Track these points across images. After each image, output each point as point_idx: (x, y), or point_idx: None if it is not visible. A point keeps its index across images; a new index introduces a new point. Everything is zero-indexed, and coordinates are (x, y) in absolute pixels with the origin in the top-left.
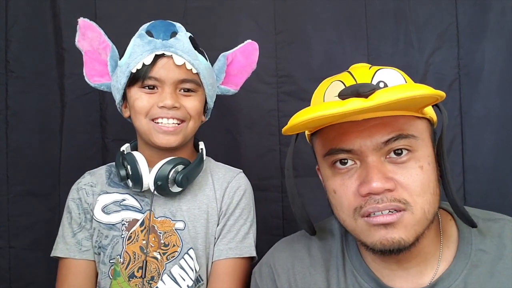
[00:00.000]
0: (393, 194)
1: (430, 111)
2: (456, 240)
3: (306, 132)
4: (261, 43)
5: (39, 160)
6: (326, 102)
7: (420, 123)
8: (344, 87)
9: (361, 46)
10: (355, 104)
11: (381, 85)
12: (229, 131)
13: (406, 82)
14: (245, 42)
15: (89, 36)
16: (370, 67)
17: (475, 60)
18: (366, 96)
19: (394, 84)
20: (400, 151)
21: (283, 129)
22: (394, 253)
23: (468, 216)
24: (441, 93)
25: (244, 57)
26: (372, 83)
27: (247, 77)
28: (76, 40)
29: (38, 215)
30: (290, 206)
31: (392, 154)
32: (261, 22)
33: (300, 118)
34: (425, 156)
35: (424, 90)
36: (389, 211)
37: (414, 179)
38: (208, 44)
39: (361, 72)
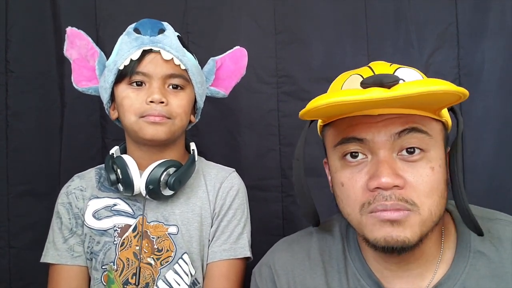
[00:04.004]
0: (401, 192)
1: (445, 115)
2: (454, 241)
3: (319, 123)
4: (261, 43)
5: (39, 160)
6: (347, 89)
7: (435, 125)
8: None
9: (361, 46)
10: (376, 93)
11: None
12: (229, 131)
13: None
14: (234, 48)
15: (77, 44)
16: (391, 64)
17: (475, 60)
18: (389, 87)
19: None
20: (412, 149)
21: (300, 112)
22: (396, 251)
23: (476, 224)
24: (465, 91)
25: (233, 62)
26: None
27: (236, 82)
28: (64, 49)
29: (38, 215)
30: (290, 206)
31: (404, 152)
32: (261, 22)
33: (320, 102)
34: (437, 158)
35: (448, 86)
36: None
37: (424, 179)
38: (208, 44)
39: (382, 68)
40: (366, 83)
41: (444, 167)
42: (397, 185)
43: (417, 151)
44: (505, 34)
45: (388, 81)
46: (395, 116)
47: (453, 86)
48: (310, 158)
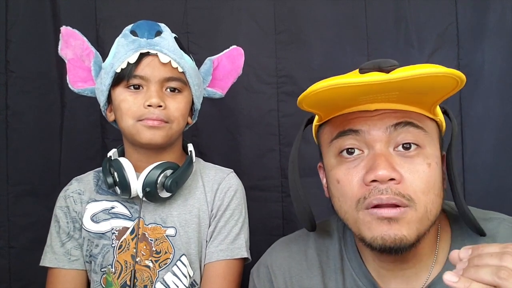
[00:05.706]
0: (398, 187)
1: (440, 115)
2: (449, 241)
3: (315, 123)
4: (261, 43)
5: (39, 160)
6: (345, 74)
7: (430, 123)
8: None
9: (361, 46)
10: (375, 77)
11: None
12: (229, 131)
13: None
14: (231, 47)
15: (72, 44)
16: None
17: (475, 60)
18: (387, 71)
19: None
20: (408, 145)
21: (299, 98)
22: (393, 251)
23: (477, 225)
24: (461, 75)
25: (229, 61)
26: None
27: (233, 82)
28: (59, 49)
29: (38, 215)
30: (290, 206)
31: (400, 148)
32: (261, 22)
33: (320, 85)
34: (433, 155)
35: (445, 69)
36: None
37: (421, 175)
38: (208, 44)
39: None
40: (365, 68)
41: (441, 165)
42: (393, 178)
43: (413, 146)
44: (505, 34)
45: (386, 66)
46: (391, 111)
47: (450, 69)
48: (310, 157)
